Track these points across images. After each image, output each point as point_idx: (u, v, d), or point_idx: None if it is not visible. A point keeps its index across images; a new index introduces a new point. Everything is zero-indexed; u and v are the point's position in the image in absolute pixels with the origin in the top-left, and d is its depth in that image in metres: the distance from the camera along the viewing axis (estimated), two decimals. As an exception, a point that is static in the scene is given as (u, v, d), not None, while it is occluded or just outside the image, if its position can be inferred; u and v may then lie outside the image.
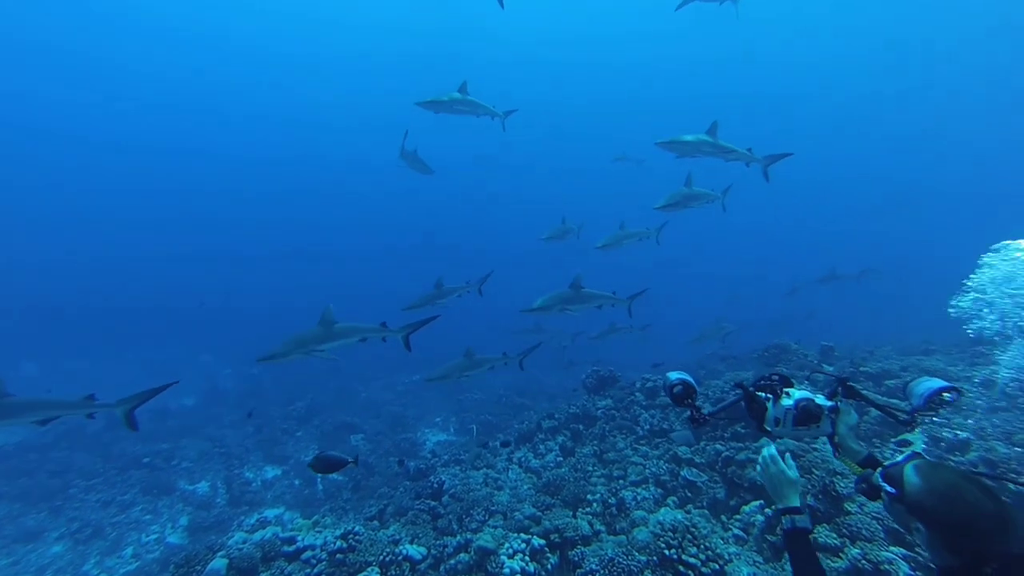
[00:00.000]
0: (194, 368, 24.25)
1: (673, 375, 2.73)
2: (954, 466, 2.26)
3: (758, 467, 2.46)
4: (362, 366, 20.79)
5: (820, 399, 2.43)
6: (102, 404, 5.87)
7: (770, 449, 2.43)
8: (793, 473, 2.32)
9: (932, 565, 1.80)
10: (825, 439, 2.45)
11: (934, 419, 6.06)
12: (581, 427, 9.42)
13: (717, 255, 49.28)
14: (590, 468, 7.81)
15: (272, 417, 16.56)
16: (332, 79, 57.73)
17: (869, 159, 57.07)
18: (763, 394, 2.50)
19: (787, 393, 2.46)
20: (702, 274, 45.20)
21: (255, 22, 52.77)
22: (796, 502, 2.26)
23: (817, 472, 5.41)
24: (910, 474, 1.82)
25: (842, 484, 5.22)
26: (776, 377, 2.56)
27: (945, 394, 2.35)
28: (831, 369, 10.16)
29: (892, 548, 4.54)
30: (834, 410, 2.41)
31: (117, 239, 48.31)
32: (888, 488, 1.90)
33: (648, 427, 8.60)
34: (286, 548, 6.47)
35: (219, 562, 6.12)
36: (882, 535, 4.70)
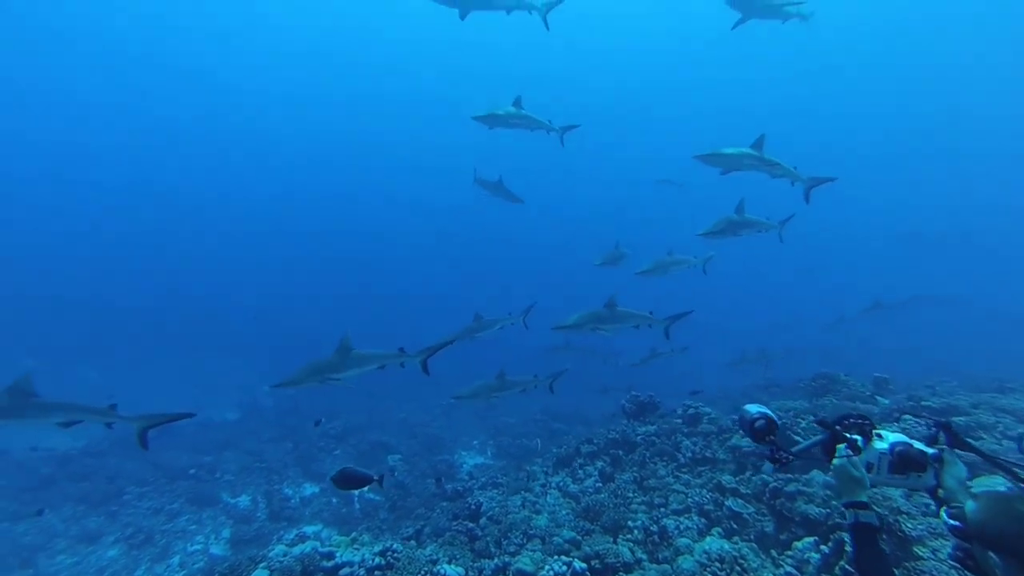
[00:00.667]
0: (234, 383, 25.11)
1: (753, 408, 2.56)
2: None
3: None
4: (397, 386, 20.99)
5: (919, 445, 2.21)
6: (122, 416, 6.08)
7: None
8: (858, 472, 2.18)
9: None
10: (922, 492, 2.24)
11: None
12: (621, 453, 9.22)
13: (756, 282, 48.05)
14: (630, 495, 7.62)
15: (309, 435, 16.86)
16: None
17: (921, 189, 55.27)
18: (851, 435, 2.29)
19: (879, 435, 2.26)
20: (739, 300, 44.05)
21: (318, 27, 54.86)
22: (862, 498, 2.13)
23: (878, 510, 5.10)
24: (969, 504, 1.78)
25: (909, 525, 4.89)
26: (864, 418, 2.35)
27: None
28: (886, 402, 9.62)
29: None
30: (937, 459, 2.17)
31: (176, 254, 51.12)
32: (952, 523, 1.83)
33: (690, 455, 8.35)
34: (325, 563, 6.52)
35: (261, 573, 6.23)
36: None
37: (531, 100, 10.36)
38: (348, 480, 5.61)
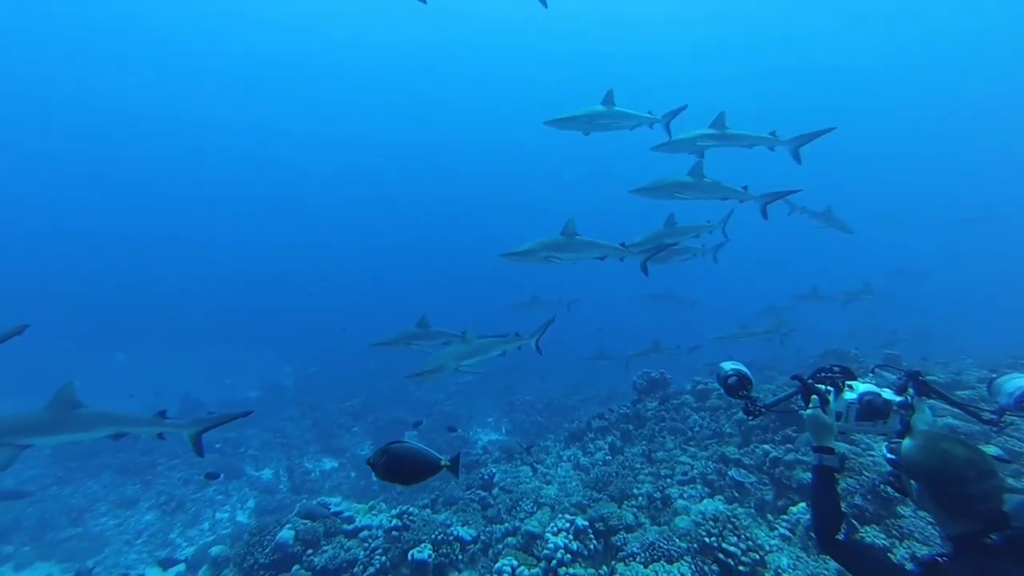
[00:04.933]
0: (255, 364, 26.05)
1: (727, 365, 2.70)
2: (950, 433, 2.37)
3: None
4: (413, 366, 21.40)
5: (887, 394, 2.37)
6: (174, 423, 5.58)
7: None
8: (828, 419, 2.37)
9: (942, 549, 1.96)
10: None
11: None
12: (631, 427, 9.50)
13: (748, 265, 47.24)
14: (638, 466, 7.89)
15: (329, 412, 17.43)
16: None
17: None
18: (823, 387, 2.42)
19: (850, 386, 2.41)
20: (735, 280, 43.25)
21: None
22: (829, 443, 2.34)
23: (868, 475, 5.33)
24: (907, 441, 2.05)
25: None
26: (837, 369, 2.50)
27: None
28: (892, 377, 9.65)
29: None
30: (905, 407, 2.32)
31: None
32: (888, 456, 2.11)
33: (698, 428, 8.59)
34: (346, 527, 6.95)
35: (287, 532, 6.65)
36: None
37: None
38: (404, 467, 3.15)
